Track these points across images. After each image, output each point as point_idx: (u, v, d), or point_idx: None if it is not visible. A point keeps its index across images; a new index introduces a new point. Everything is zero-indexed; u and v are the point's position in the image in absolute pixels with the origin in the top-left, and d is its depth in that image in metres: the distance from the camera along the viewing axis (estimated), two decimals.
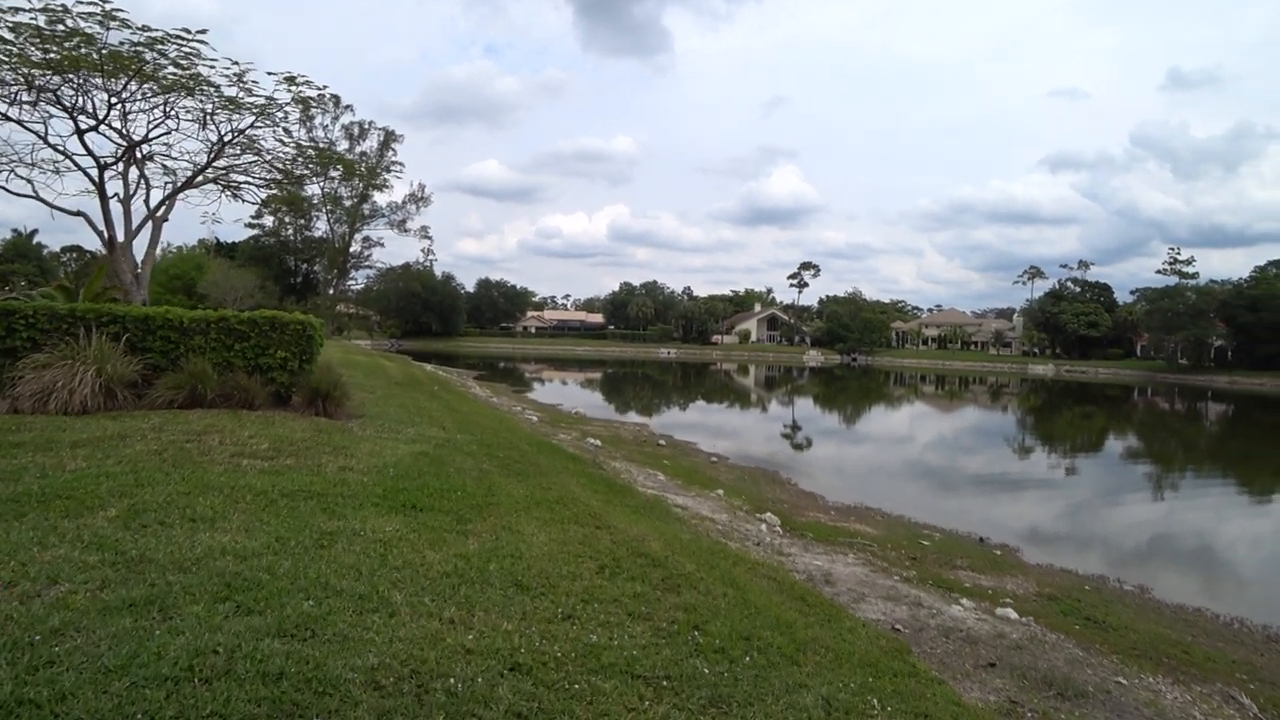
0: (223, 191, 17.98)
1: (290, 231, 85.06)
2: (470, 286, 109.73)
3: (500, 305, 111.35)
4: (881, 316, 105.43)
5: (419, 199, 74.42)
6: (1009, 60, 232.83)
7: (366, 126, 72.41)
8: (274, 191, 18.98)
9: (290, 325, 9.38)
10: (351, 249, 78.38)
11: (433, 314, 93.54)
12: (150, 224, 14.92)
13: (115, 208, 14.14)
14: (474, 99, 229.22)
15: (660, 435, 18.39)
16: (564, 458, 9.90)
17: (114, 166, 13.93)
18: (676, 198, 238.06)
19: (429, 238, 79.66)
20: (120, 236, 14.24)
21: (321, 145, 16.75)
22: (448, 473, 6.62)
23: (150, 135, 14.18)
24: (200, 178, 16.21)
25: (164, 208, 15.33)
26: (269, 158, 16.83)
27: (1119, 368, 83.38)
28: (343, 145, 71.48)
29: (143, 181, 15.09)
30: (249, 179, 17.80)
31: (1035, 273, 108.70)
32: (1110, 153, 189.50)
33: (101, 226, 13.94)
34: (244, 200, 18.54)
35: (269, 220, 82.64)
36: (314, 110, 15.95)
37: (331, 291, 79.49)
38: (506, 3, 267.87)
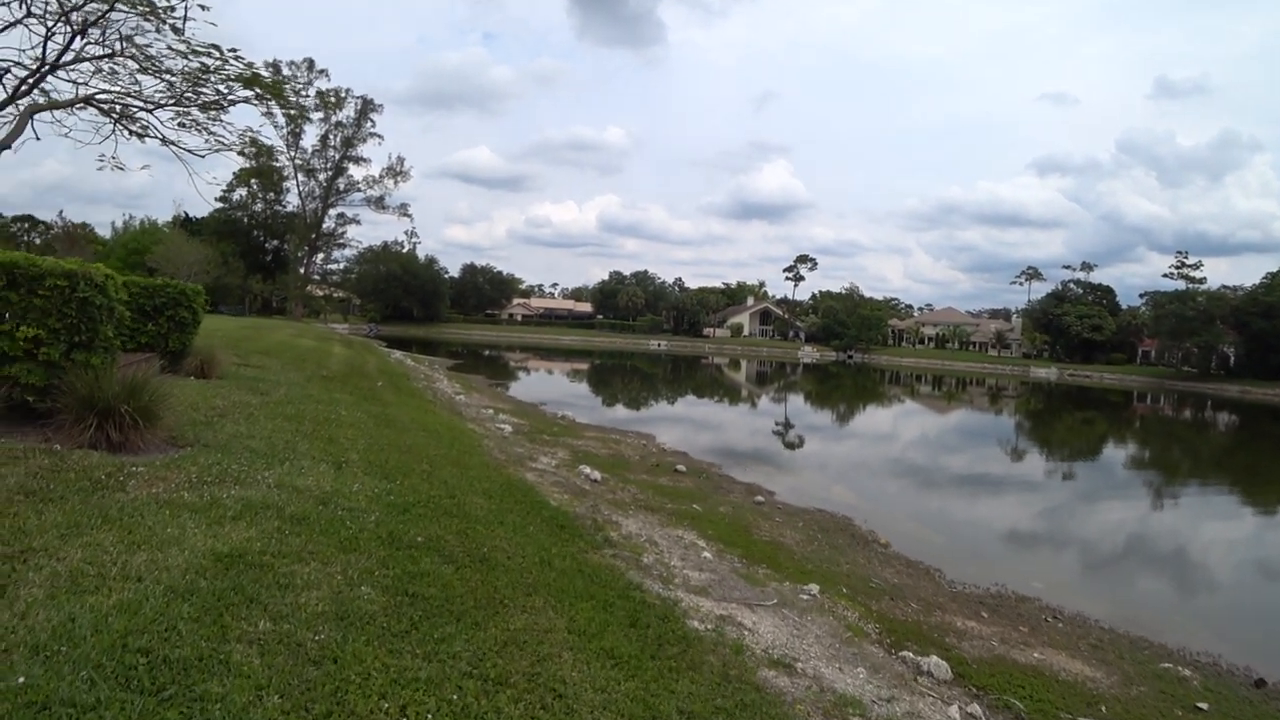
0: (116, 123, 13.80)
1: (260, 205, 79.87)
2: (456, 272, 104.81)
3: (486, 292, 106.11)
4: (879, 313, 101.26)
5: (397, 172, 69.69)
6: (1002, 63, 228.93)
7: (343, 95, 67.78)
8: (180, 120, 14.66)
9: (45, 280, 5.06)
10: (324, 225, 73.36)
11: (414, 299, 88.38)
12: None
13: None
14: (466, 86, 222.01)
15: (673, 452, 14.24)
16: (542, 528, 5.72)
17: None
18: (666, 190, 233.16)
19: (409, 215, 74.98)
20: None
21: (241, 59, 12.55)
22: (229, 650, 2.46)
23: None
24: (58, 93, 12.08)
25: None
26: (154, 69, 12.59)
27: (1124, 373, 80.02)
28: (317, 114, 67.07)
29: None
30: (142, 103, 13.58)
31: (1033, 274, 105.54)
32: (1097, 158, 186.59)
33: None
34: (150, 137, 14.27)
35: (240, 193, 77.95)
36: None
37: (302, 270, 74.42)
38: None
